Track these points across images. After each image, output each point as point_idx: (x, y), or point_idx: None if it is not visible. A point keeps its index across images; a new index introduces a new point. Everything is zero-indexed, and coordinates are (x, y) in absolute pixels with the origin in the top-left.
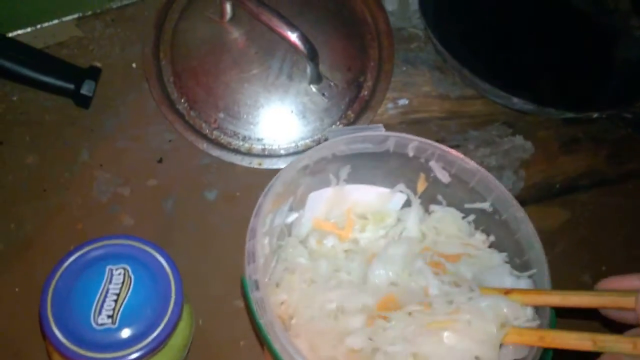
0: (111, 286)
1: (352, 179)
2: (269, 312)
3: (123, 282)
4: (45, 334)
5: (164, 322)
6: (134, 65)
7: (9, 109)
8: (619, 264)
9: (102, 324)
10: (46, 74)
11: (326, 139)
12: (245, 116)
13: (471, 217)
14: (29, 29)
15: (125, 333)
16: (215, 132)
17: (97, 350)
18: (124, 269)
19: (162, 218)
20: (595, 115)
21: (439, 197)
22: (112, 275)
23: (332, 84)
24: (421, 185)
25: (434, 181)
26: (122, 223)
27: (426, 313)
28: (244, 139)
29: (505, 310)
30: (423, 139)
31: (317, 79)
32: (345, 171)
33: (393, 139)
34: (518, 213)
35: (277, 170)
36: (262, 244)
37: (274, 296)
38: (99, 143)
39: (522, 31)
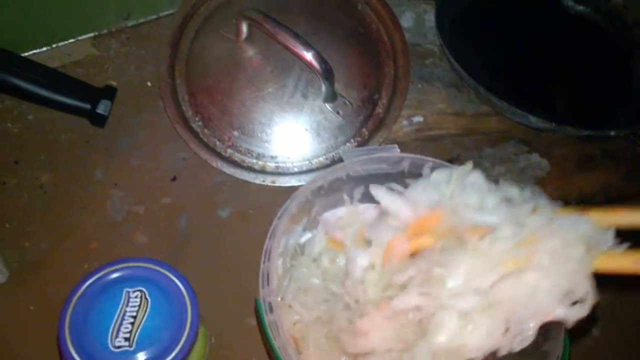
0: (128, 308)
1: (366, 198)
2: (283, 334)
3: (140, 305)
4: (63, 356)
5: (180, 344)
6: (148, 83)
7: (25, 128)
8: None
9: (119, 347)
10: (62, 94)
11: (340, 158)
12: (259, 134)
13: None
14: (45, 48)
15: (142, 355)
16: (229, 150)
17: None
18: (141, 291)
19: (175, 236)
20: (612, 133)
21: None
22: (129, 297)
23: (346, 101)
24: None
25: None
26: (136, 241)
27: (489, 243)
28: (258, 156)
29: (588, 232)
30: (438, 160)
31: (332, 97)
32: (359, 191)
33: (408, 160)
34: None
35: (290, 188)
36: (276, 265)
37: (287, 316)
38: (113, 162)
39: (539, 48)
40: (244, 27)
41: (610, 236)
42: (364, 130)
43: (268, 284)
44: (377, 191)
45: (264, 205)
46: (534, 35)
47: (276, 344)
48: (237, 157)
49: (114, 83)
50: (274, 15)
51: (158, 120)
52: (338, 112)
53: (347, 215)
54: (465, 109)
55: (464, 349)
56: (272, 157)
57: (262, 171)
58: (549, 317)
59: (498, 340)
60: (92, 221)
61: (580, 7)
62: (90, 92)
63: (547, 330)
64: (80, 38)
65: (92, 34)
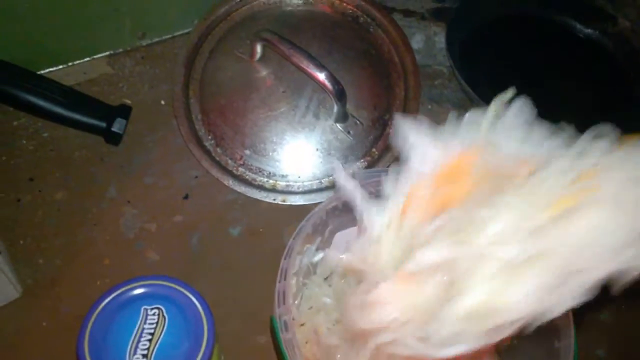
0: (146, 326)
1: None
2: (298, 353)
3: (157, 322)
4: None
5: None
6: (162, 102)
7: (40, 145)
8: None
9: None
10: (78, 112)
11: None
12: (270, 153)
13: None
14: (60, 66)
15: None
16: (240, 169)
17: None
18: (159, 309)
19: (187, 254)
20: None
21: None
22: (147, 315)
23: (357, 122)
24: None
25: None
26: (148, 259)
27: (541, 178)
28: (269, 175)
29: None
30: None
31: (344, 117)
32: None
33: None
34: None
35: (300, 207)
36: (290, 284)
37: (298, 334)
38: (126, 179)
39: (547, 71)
40: (259, 48)
41: None
42: (374, 150)
43: (284, 303)
44: (402, 125)
45: (274, 224)
46: (543, 57)
47: None
48: (249, 175)
49: (128, 101)
50: (287, 37)
51: (171, 138)
52: (349, 132)
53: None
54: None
55: (504, 309)
56: (283, 176)
57: (273, 190)
58: (612, 267)
59: (546, 299)
60: (105, 238)
61: (589, 31)
62: (106, 110)
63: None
64: (95, 57)
65: (107, 53)
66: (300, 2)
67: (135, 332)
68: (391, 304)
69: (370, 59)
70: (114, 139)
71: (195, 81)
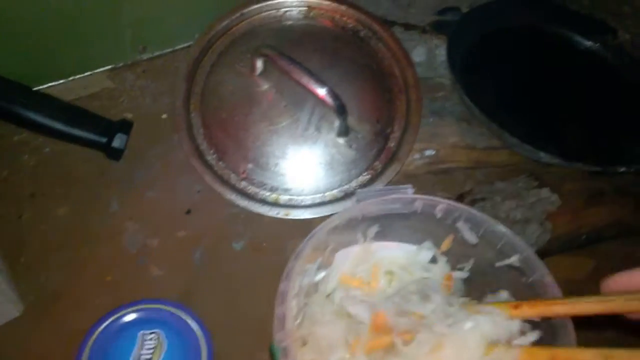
0: (143, 351)
1: (380, 236)
2: None
3: (155, 347)
4: None
5: None
6: (164, 116)
7: (41, 161)
8: None
9: None
10: (78, 128)
11: (353, 192)
12: (273, 167)
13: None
14: (61, 81)
15: None
16: (243, 183)
17: None
18: (156, 333)
19: (190, 269)
20: (622, 169)
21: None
22: (144, 340)
23: (359, 135)
24: (445, 245)
25: (462, 240)
26: (151, 274)
27: (415, 347)
28: (272, 189)
29: (490, 328)
30: (451, 202)
31: (345, 131)
32: (373, 230)
33: (421, 202)
34: (546, 278)
35: (303, 221)
36: (290, 307)
37: (300, 356)
38: (128, 194)
39: (549, 83)
40: (259, 63)
41: (513, 328)
42: (376, 163)
43: (283, 328)
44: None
45: (277, 238)
46: (544, 70)
47: None
48: (251, 189)
49: (129, 115)
50: (288, 51)
51: (173, 152)
52: (351, 146)
53: (360, 253)
54: (476, 143)
55: None
56: (285, 190)
57: (276, 204)
58: None
59: None
60: (107, 254)
61: (589, 43)
62: (106, 125)
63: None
64: (96, 71)
65: (108, 67)
66: (301, 16)
67: (132, 357)
68: None
69: (371, 73)
70: (114, 154)
71: (197, 95)
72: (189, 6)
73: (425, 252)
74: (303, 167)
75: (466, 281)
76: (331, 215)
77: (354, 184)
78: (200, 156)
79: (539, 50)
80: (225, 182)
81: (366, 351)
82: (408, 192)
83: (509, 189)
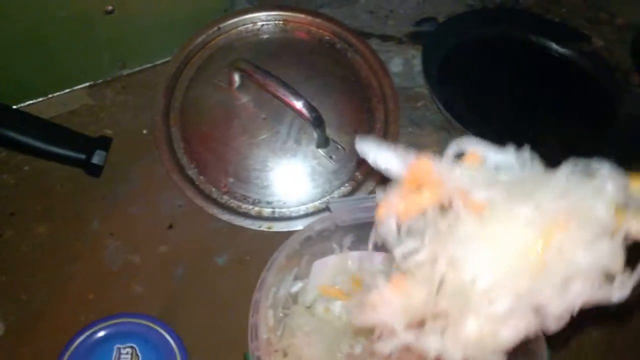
0: None
1: (356, 246)
2: None
3: None
4: None
5: None
6: (144, 131)
7: (21, 179)
8: None
9: None
10: (57, 145)
11: (328, 207)
12: (254, 180)
13: None
14: (41, 99)
15: None
16: (224, 197)
17: None
18: (132, 347)
19: (172, 285)
20: None
21: None
22: (120, 354)
23: (339, 147)
24: None
25: None
26: (133, 291)
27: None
28: (254, 202)
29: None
30: None
31: (324, 143)
32: (348, 240)
33: None
34: None
35: (286, 233)
36: (265, 317)
37: None
38: (109, 211)
39: (525, 90)
40: (236, 77)
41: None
42: (357, 174)
43: (257, 338)
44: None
45: (260, 251)
46: (520, 78)
47: None
48: (233, 203)
49: (109, 131)
50: (265, 64)
51: (154, 168)
52: (331, 157)
53: (338, 263)
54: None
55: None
56: (268, 203)
57: (258, 217)
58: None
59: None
60: (88, 272)
61: (564, 50)
62: (85, 142)
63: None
64: (75, 88)
65: (87, 84)
66: (278, 29)
67: None
68: (387, 306)
69: (349, 84)
70: (94, 171)
71: (176, 110)
72: (166, 22)
73: None
74: (284, 179)
75: None
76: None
77: (335, 194)
78: (181, 171)
79: (515, 59)
80: (207, 197)
81: None
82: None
83: None
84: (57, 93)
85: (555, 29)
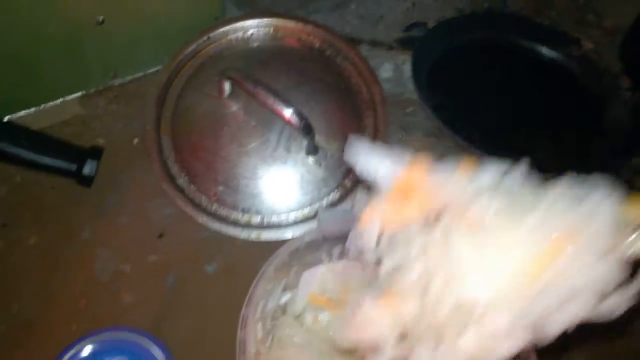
0: None
1: (345, 255)
2: None
3: None
4: None
5: None
6: (135, 140)
7: (12, 190)
8: None
9: None
10: (48, 156)
11: (315, 216)
12: (244, 189)
13: None
14: (32, 109)
15: None
16: (214, 205)
17: None
18: None
19: (162, 294)
20: None
21: None
22: None
23: (328, 154)
24: None
25: None
26: (124, 301)
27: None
28: (243, 210)
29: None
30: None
31: (314, 150)
32: (337, 250)
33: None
34: None
35: (275, 242)
36: (254, 331)
37: None
38: (100, 220)
39: (516, 97)
40: (226, 86)
41: None
42: (346, 181)
43: (244, 352)
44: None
45: (250, 259)
46: (511, 82)
47: None
48: (223, 211)
49: (101, 141)
50: (256, 72)
51: (145, 177)
52: (320, 164)
53: (327, 273)
54: (445, 157)
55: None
56: (257, 211)
57: (248, 225)
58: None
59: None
60: (80, 282)
61: (554, 54)
62: (76, 153)
63: None
64: (67, 98)
65: (79, 94)
66: (268, 37)
67: None
68: (376, 322)
69: (338, 91)
70: (85, 181)
71: (167, 119)
72: (157, 31)
73: None
74: (274, 187)
75: None
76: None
77: (324, 202)
78: (172, 180)
79: (505, 63)
80: (197, 205)
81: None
82: None
83: None
84: (49, 103)
85: (544, 32)
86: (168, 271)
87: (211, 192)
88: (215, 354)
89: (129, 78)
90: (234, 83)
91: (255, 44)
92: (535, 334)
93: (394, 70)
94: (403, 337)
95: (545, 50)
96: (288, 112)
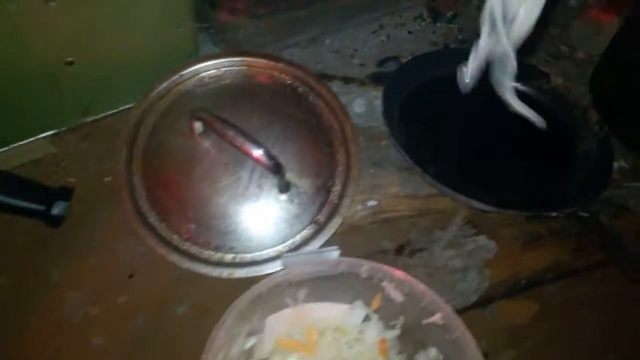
0: None
1: (311, 298)
2: None
3: None
4: None
5: None
6: (107, 179)
7: None
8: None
9: None
10: (16, 198)
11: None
12: (216, 226)
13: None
14: (3, 149)
15: None
16: (186, 244)
17: None
18: None
19: (132, 336)
20: (554, 214)
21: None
22: None
23: (301, 190)
24: (376, 303)
25: (390, 298)
26: (92, 344)
27: None
28: (216, 248)
29: None
30: (374, 264)
31: (286, 187)
32: (302, 293)
33: (345, 264)
34: (467, 335)
35: (248, 280)
36: None
37: None
38: (70, 261)
39: (485, 132)
40: (197, 125)
41: None
42: (319, 217)
43: None
44: None
45: (221, 299)
46: (480, 117)
47: None
48: (195, 250)
49: (72, 180)
50: (227, 110)
51: (116, 216)
52: (293, 201)
53: (293, 315)
54: (417, 191)
55: None
56: (230, 249)
57: (220, 263)
58: None
59: None
60: (48, 326)
61: (525, 88)
62: (46, 194)
63: None
64: (39, 137)
65: (50, 132)
66: (240, 75)
67: None
68: None
69: (310, 128)
70: (54, 222)
71: (138, 157)
72: (130, 69)
73: (357, 311)
74: (246, 224)
75: (400, 337)
76: (275, 272)
77: (298, 238)
78: (143, 218)
79: (474, 98)
80: (169, 244)
81: None
82: (333, 254)
83: (447, 237)
84: (20, 142)
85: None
86: (138, 313)
87: (183, 230)
88: None
89: (101, 115)
90: (204, 123)
91: (228, 82)
92: None
93: (366, 105)
94: None
95: (516, 84)
96: (257, 152)
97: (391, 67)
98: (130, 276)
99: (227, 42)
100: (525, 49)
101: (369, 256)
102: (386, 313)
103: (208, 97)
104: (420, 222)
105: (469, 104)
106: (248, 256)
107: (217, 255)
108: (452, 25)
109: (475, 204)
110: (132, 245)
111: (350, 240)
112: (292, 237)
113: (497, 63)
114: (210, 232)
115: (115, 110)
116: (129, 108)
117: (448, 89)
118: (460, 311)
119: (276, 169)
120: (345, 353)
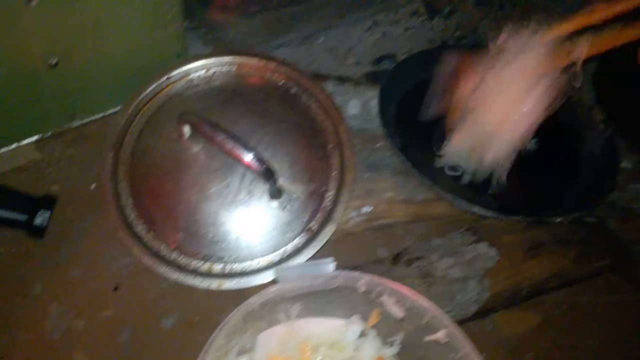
0: None
1: (305, 313)
2: None
3: None
4: None
5: None
6: (92, 186)
7: None
8: None
9: None
10: None
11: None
12: (205, 235)
13: None
14: None
15: None
16: (174, 253)
17: None
18: None
19: (116, 351)
20: (558, 220)
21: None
22: None
23: (293, 197)
24: (373, 319)
25: (389, 313)
26: None
27: None
28: (204, 258)
29: None
30: (372, 277)
31: (277, 194)
32: (295, 309)
33: (341, 278)
34: (472, 356)
35: (237, 291)
36: None
37: None
38: (53, 274)
39: None
40: (186, 129)
41: None
42: (312, 224)
43: None
44: None
45: (210, 311)
46: None
47: None
48: (183, 260)
49: (57, 187)
50: (217, 113)
51: (101, 225)
52: (284, 208)
53: (285, 332)
54: (413, 196)
55: None
56: (219, 258)
57: (208, 274)
58: None
59: None
60: (29, 341)
61: None
62: (28, 203)
63: None
64: (23, 143)
65: (35, 138)
66: (230, 75)
67: None
68: None
69: (303, 131)
70: (37, 232)
71: (125, 163)
72: (116, 71)
73: (353, 327)
74: (236, 233)
75: (398, 354)
76: (266, 284)
77: (289, 247)
78: (129, 227)
79: None
80: (155, 254)
81: None
82: (329, 267)
83: (446, 245)
84: (3, 149)
85: None
86: (123, 327)
87: (170, 239)
88: None
89: (87, 120)
90: (193, 127)
91: (217, 83)
92: None
93: (361, 107)
94: None
95: None
96: (247, 157)
97: (387, 65)
98: (116, 288)
99: (217, 42)
100: None
101: (364, 266)
102: (384, 329)
103: (197, 100)
104: (416, 229)
105: None
106: (238, 266)
107: (206, 265)
108: (449, 21)
109: (475, 209)
110: (118, 256)
111: (344, 248)
112: (284, 245)
113: None
114: (199, 241)
115: (101, 115)
116: (116, 112)
117: None
118: (459, 323)
119: (267, 174)
120: None
